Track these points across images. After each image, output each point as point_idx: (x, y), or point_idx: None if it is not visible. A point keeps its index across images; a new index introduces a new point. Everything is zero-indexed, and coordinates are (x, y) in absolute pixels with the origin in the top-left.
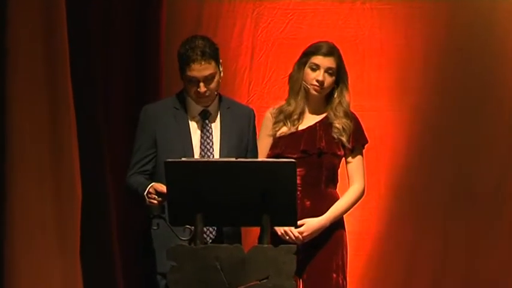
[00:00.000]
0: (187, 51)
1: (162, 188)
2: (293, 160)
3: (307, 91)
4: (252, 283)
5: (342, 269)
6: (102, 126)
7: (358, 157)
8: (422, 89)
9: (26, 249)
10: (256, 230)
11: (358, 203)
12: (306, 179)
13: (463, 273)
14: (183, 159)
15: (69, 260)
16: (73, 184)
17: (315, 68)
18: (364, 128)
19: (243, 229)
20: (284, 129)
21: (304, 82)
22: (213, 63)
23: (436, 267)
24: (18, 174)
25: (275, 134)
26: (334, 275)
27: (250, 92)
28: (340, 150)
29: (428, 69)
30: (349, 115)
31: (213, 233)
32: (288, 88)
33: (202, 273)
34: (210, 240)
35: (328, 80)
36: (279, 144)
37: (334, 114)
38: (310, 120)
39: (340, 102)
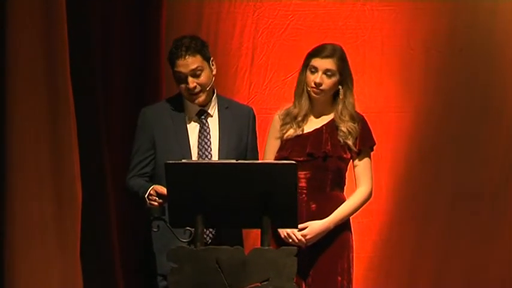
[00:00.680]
0: (173, 49)
1: (163, 190)
2: (293, 162)
3: (309, 94)
4: (252, 285)
5: (347, 272)
6: (102, 127)
7: (366, 160)
8: (423, 91)
9: (26, 249)
10: (256, 232)
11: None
12: (312, 182)
13: (465, 275)
14: (184, 160)
15: (69, 260)
16: (73, 185)
17: (314, 70)
18: (371, 130)
19: (244, 231)
20: (291, 131)
21: (306, 85)
22: (198, 57)
23: (437, 270)
24: (18, 174)
25: (282, 136)
26: (339, 278)
27: (251, 94)
28: (346, 154)
29: (429, 70)
30: (355, 118)
31: (212, 232)
32: (292, 90)
33: (203, 275)
34: (210, 241)
35: (327, 82)
36: (285, 147)
37: (340, 117)
38: (316, 122)
39: (344, 105)
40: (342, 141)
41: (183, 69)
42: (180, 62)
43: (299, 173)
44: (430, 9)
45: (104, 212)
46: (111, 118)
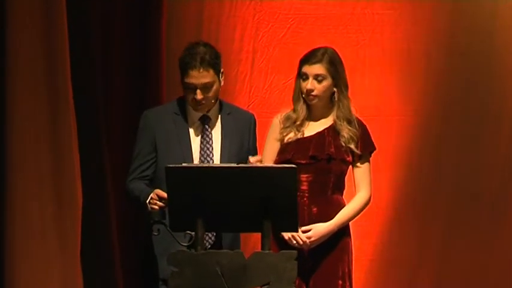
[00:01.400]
0: (187, 57)
1: (164, 194)
2: (294, 166)
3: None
4: None
5: (348, 276)
6: (102, 127)
7: (366, 164)
8: (424, 95)
9: (26, 250)
10: (256, 236)
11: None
12: (313, 185)
13: (465, 278)
14: (184, 164)
15: (70, 261)
16: (73, 185)
17: (305, 77)
18: (371, 135)
19: (243, 235)
20: (291, 135)
21: (300, 91)
22: (211, 72)
23: (438, 273)
24: (18, 175)
25: (283, 139)
26: (340, 282)
27: (251, 97)
28: (348, 156)
29: (430, 74)
30: (352, 121)
31: (212, 238)
32: (292, 93)
33: (203, 279)
34: (209, 246)
35: (319, 87)
36: (287, 150)
37: (338, 121)
38: (318, 126)
39: (339, 108)
40: (344, 145)
41: (194, 81)
42: (193, 73)
43: (301, 175)
44: (430, 13)
45: (104, 212)
46: (111, 118)
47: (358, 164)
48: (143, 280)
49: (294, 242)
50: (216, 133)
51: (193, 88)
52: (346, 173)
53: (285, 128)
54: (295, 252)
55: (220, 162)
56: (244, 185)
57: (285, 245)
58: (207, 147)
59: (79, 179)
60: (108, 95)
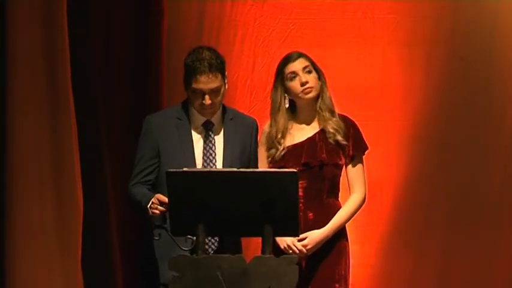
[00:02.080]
0: (194, 63)
1: (165, 198)
2: (295, 170)
3: (297, 103)
4: None
5: (344, 279)
6: (102, 130)
7: (359, 165)
8: (424, 99)
9: (27, 253)
10: (257, 240)
11: (359, 212)
12: (308, 191)
13: (467, 283)
14: (185, 169)
15: (70, 264)
16: (74, 187)
17: (293, 75)
18: (363, 135)
19: (245, 239)
20: (274, 151)
21: (292, 96)
22: (219, 76)
23: (439, 278)
24: (19, 178)
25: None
26: (337, 285)
27: (252, 102)
28: (341, 160)
29: (430, 78)
30: (335, 112)
31: (215, 244)
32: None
33: (204, 283)
34: (212, 251)
35: (310, 77)
36: (280, 157)
37: (321, 112)
38: (309, 131)
39: (323, 99)
40: (332, 141)
41: (203, 86)
42: (202, 78)
43: None
44: (431, 18)
45: (104, 214)
46: (111, 119)
47: (351, 165)
48: (144, 284)
49: (290, 251)
50: (219, 138)
51: (201, 93)
52: (340, 176)
53: (270, 149)
54: (296, 256)
55: (223, 167)
56: (245, 189)
57: (281, 253)
58: (210, 152)
59: (79, 180)
60: (108, 96)
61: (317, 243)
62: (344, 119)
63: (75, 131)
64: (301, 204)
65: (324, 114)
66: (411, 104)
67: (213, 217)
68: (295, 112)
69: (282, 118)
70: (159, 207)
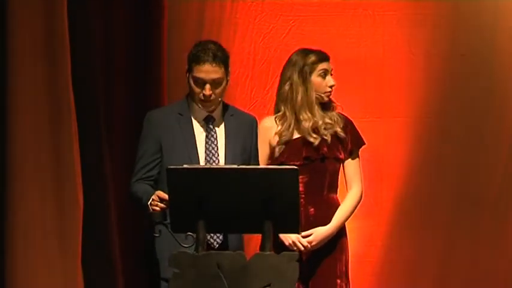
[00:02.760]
0: (199, 52)
1: (165, 195)
2: (295, 167)
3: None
4: None
5: (345, 275)
6: (102, 129)
7: (356, 160)
8: (425, 96)
9: (27, 252)
10: (257, 237)
11: (358, 209)
12: (309, 186)
13: (468, 281)
14: (185, 166)
15: (70, 263)
16: (74, 187)
17: (325, 74)
18: (359, 131)
19: (245, 236)
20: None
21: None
22: (222, 69)
23: (440, 276)
24: (19, 178)
25: (276, 142)
26: (338, 281)
27: (252, 99)
28: (341, 154)
29: (431, 75)
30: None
31: (220, 237)
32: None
33: (205, 280)
34: (217, 245)
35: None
36: (281, 152)
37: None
38: None
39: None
40: (332, 133)
41: (205, 76)
42: (205, 67)
43: None
44: (431, 15)
45: (104, 213)
46: (111, 118)
47: (349, 161)
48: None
49: (295, 248)
50: (220, 134)
51: (202, 83)
52: (339, 172)
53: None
54: (296, 253)
55: (225, 162)
56: (246, 186)
57: (285, 250)
58: (212, 146)
59: (80, 181)
60: (108, 95)
61: (322, 240)
62: (341, 116)
63: (75, 131)
64: (302, 199)
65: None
66: (412, 101)
67: (214, 214)
68: None
69: (318, 111)
70: (159, 204)
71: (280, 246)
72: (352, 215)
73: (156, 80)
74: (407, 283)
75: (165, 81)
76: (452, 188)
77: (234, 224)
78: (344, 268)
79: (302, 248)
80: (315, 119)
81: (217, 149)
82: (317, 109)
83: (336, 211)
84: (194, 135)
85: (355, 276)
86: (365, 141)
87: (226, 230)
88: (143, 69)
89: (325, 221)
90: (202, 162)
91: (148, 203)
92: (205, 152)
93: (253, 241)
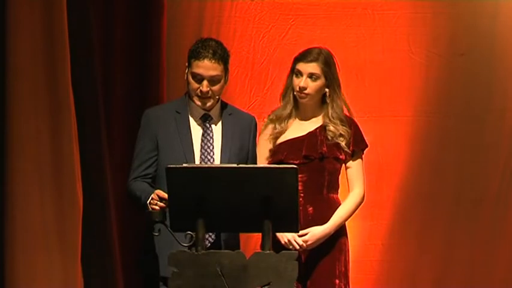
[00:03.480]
0: (199, 48)
1: (165, 194)
2: (294, 166)
3: (296, 97)
4: None
5: (344, 275)
6: (102, 129)
7: (358, 161)
8: (424, 95)
9: (27, 252)
10: (257, 236)
11: (359, 209)
12: (308, 185)
13: (467, 280)
14: (185, 165)
15: (70, 263)
16: (74, 189)
17: (299, 74)
18: (363, 133)
19: (244, 235)
20: (270, 129)
21: (292, 89)
22: (221, 66)
23: (439, 274)
24: (19, 178)
25: (273, 140)
26: (337, 281)
27: (251, 98)
28: (341, 154)
29: (430, 74)
30: (345, 120)
31: (212, 236)
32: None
33: (204, 279)
34: (209, 244)
35: (312, 85)
36: (280, 151)
37: (330, 120)
38: (309, 125)
39: (333, 108)
40: (330, 138)
41: (203, 72)
42: (203, 63)
43: None
44: (431, 14)
45: (104, 212)
46: (111, 118)
47: (351, 162)
48: (143, 278)
49: (291, 246)
50: (217, 132)
51: (200, 79)
52: (340, 172)
53: (269, 122)
54: (295, 252)
55: (221, 161)
56: (245, 185)
57: (281, 248)
58: (208, 145)
59: (79, 181)
60: (108, 95)
61: (318, 240)
62: (345, 117)
63: (75, 131)
64: (301, 199)
65: (334, 120)
66: (411, 100)
67: (213, 213)
68: (297, 107)
69: (288, 104)
70: (158, 203)
71: (276, 245)
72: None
73: (156, 79)
74: (407, 283)
75: (165, 81)
76: (452, 187)
77: (233, 223)
78: (343, 268)
79: (297, 247)
80: (282, 110)
81: (213, 147)
82: (287, 102)
83: (335, 212)
84: (190, 133)
85: (355, 276)
86: (368, 144)
87: (226, 229)
88: (143, 68)
89: (324, 221)
90: (197, 161)
91: (148, 202)
92: (201, 150)
93: (252, 240)
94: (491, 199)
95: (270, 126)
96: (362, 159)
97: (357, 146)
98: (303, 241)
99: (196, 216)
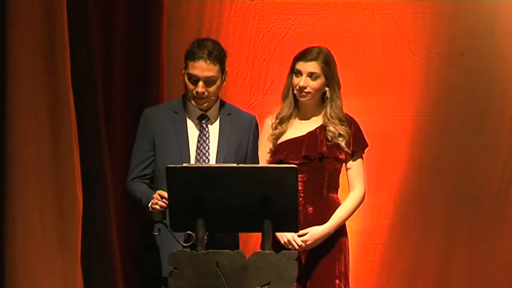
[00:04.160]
0: (195, 48)
1: (166, 194)
2: (294, 166)
3: (296, 97)
4: None
5: (344, 275)
6: (102, 130)
7: (359, 161)
8: (424, 95)
9: (27, 253)
10: (256, 236)
11: (359, 209)
12: (308, 185)
13: (467, 280)
14: (185, 164)
15: (70, 264)
16: (74, 187)
17: (298, 73)
18: (363, 132)
19: (244, 235)
20: (271, 129)
21: (292, 88)
22: (217, 67)
23: (439, 274)
24: (19, 178)
25: (274, 140)
26: (337, 281)
27: (251, 98)
28: (341, 154)
29: (430, 74)
30: (344, 120)
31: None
32: None
33: (203, 279)
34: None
35: (311, 84)
36: (280, 150)
37: (329, 120)
38: (309, 125)
39: (332, 108)
40: (330, 139)
41: (198, 73)
42: (199, 64)
43: None
44: (430, 14)
45: (104, 214)
46: (111, 119)
47: (351, 162)
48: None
49: (290, 246)
50: (214, 132)
51: (195, 80)
52: (340, 172)
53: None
54: (295, 252)
55: (216, 162)
56: (245, 184)
57: (281, 248)
58: (204, 146)
59: (79, 182)
60: (108, 95)
61: (317, 240)
62: (345, 117)
63: (75, 131)
64: (301, 199)
65: (333, 120)
66: (411, 100)
67: (213, 212)
68: (297, 107)
69: (289, 104)
70: (159, 202)
71: (276, 245)
72: (352, 215)
73: (156, 79)
74: (407, 283)
75: (165, 80)
76: (452, 187)
77: (233, 223)
78: (343, 268)
79: (297, 247)
80: (282, 110)
81: (209, 148)
82: (288, 103)
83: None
84: (187, 133)
85: (355, 276)
86: (368, 144)
87: (226, 228)
88: (143, 68)
89: (324, 221)
90: (192, 161)
91: (149, 204)
92: (196, 150)
93: (252, 240)
94: (491, 199)
95: (271, 127)
96: (362, 158)
97: (357, 146)
98: (302, 241)
99: (196, 216)
